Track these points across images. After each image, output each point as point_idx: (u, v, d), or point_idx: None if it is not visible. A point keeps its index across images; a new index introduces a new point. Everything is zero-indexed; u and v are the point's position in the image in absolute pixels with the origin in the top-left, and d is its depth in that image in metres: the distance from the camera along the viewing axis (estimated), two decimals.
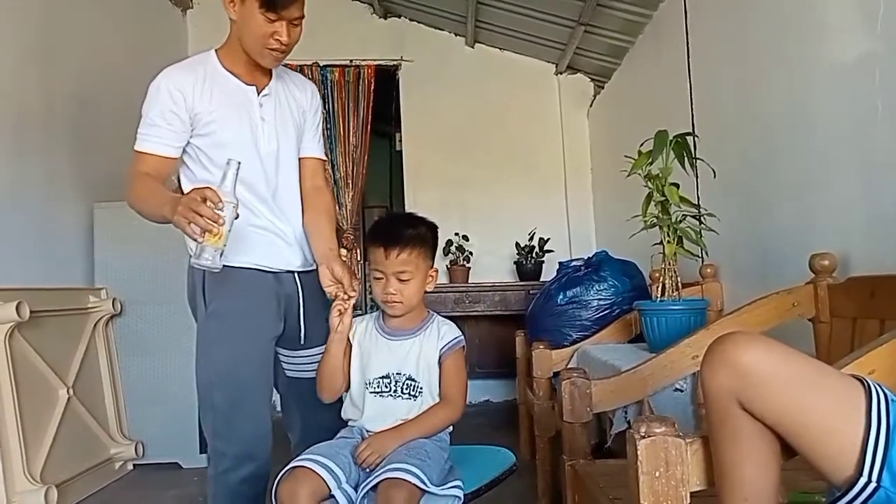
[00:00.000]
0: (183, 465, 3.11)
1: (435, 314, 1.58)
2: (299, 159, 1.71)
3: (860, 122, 1.75)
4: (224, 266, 1.35)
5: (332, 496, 1.29)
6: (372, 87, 4.58)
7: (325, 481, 1.28)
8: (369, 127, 4.60)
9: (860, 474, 0.85)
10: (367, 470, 1.35)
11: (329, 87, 4.59)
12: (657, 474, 1.00)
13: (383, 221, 1.55)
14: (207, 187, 1.30)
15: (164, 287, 3.15)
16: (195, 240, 1.28)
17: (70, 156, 3.09)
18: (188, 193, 1.33)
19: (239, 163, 1.34)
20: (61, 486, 2.47)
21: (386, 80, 4.72)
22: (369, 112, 4.59)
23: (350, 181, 4.56)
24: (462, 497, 1.37)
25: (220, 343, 1.56)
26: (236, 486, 1.57)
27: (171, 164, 1.56)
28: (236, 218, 1.31)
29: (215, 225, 1.25)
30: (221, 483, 1.58)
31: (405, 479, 1.27)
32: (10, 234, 2.66)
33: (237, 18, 1.51)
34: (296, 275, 1.66)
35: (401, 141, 4.80)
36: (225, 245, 1.28)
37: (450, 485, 1.36)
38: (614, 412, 1.87)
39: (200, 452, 3.12)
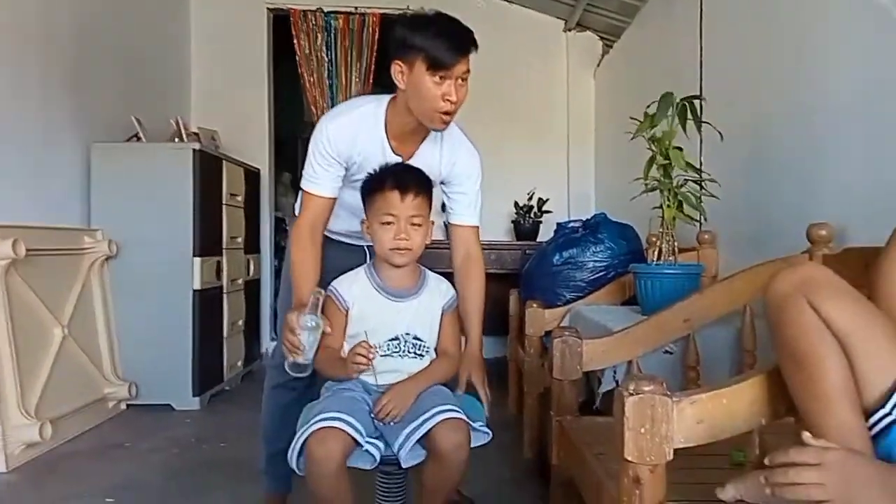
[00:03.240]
0: (175, 406, 3.15)
1: (426, 269, 1.58)
2: (448, 225, 1.78)
3: (870, 91, 1.72)
4: None
5: (364, 450, 1.33)
6: (376, 37, 4.47)
7: (353, 437, 1.31)
8: (372, 78, 4.52)
9: (882, 406, 0.90)
10: (392, 423, 1.37)
11: (332, 35, 4.49)
12: (643, 430, 1.02)
13: (392, 167, 1.53)
14: (293, 314, 1.43)
15: (160, 230, 3.15)
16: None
17: (68, 93, 3.04)
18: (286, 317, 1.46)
19: (322, 292, 1.46)
20: (55, 422, 2.51)
21: (391, 29, 4.60)
22: (373, 62, 4.50)
23: None
24: (491, 434, 1.45)
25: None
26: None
27: (332, 203, 1.67)
28: (322, 335, 1.44)
29: (295, 349, 1.42)
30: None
31: (461, 418, 1.34)
32: (6, 171, 2.63)
33: (406, 87, 1.54)
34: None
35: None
36: (309, 358, 1.43)
37: (478, 423, 1.43)
38: (603, 372, 1.89)
39: (193, 395, 3.17)
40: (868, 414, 0.92)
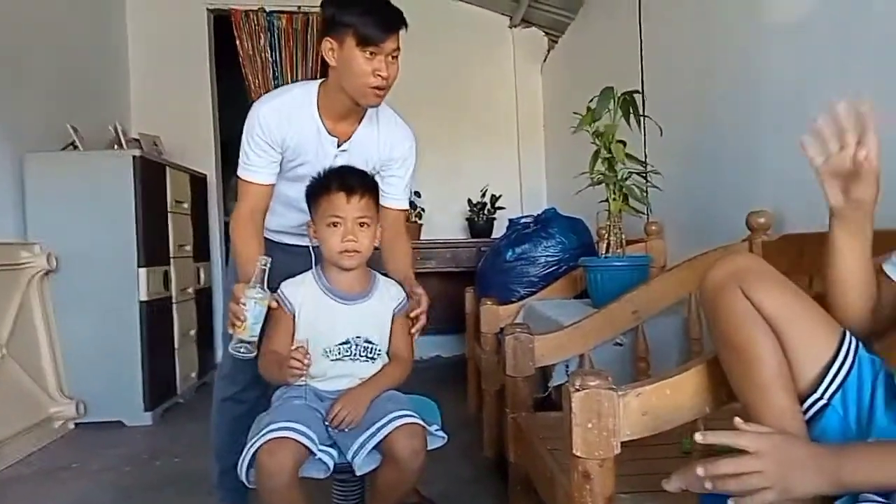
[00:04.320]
0: (127, 422, 3.06)
1: (376, 273, 1.56)
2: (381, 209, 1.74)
3: (804, 79, 1.78)
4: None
5: (318, 458, 1.31)
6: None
7: (305, 446, 1.28)
8: (318, 77, 4.45)
9: (814, 390, 0.93)
10: (346, 430, 1.35)
11: (276, 35, 4.41)
12: (590, 426, 1.03)
13: (336, 170, 1.51)
14: (238, 285, 1.41)
15: (103, 241, 3.05)
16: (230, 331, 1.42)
17: None
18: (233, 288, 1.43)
19: (268, 260, 1.42)
20: None
21: (322, 8, 4.54)
22: (317, 62, 4.44)
23: None
24: (446, 437, 1.44)
25: None
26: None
27: (270, 190, 1.66)
28: (268, 311, 1.40)
29: (237, 319, 1.37)
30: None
31: (417, 423, 1.34)
32: None
33: (337, 64, 1.55)
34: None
35: None
36: (253, 336, 1.39)
37: (434, 427, 1.42)
38: (555, 366, 1.91)
39: (145, 410, 3.08)
40: (802, 399, 0.95)
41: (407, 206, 1.81)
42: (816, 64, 1.73)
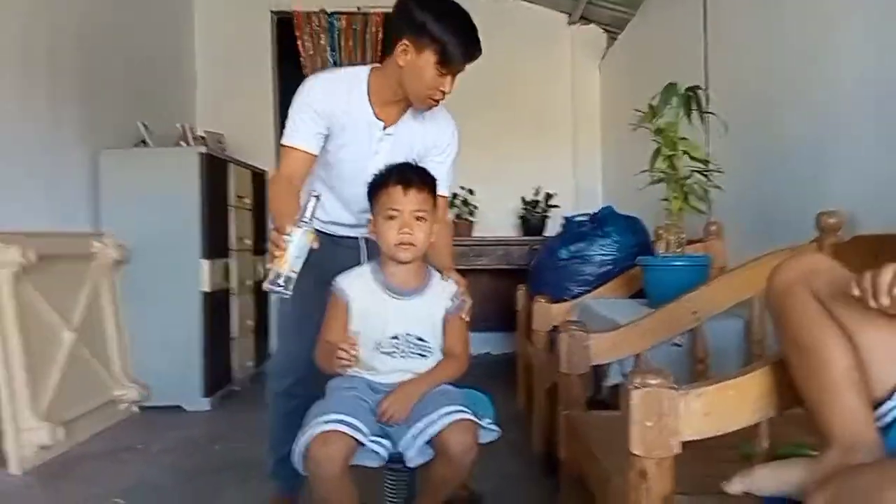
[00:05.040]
0: (186, 408, 3.17)
1: (433, 269, 1.57)
2: None
3: (880, 77, 1.70)
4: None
5: (371, 449, 1.32)
6: (379, 36, 4.47)
7: (356, 439, 1.30)
8: None
9: (890, 397, 0.90)
10: (397, 425, 1.36)
11: (335, 35, 4.50)
12: (649, 424, 1.01)
13: (397, 166, 1.52)
14: (284, 218, 1.39)
15: (169, 233, 3.17)
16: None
17: (76, 101, 3.06)
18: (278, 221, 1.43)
19: (318, 196, 1.40)
20: (67, 425, 2.53)
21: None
22: (376, 61, 4.49)
23: None
24: (499, 431, 1.44)
25: None
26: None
27: (311, 160, 1.67)
28: (313, 248, 1.35)
29: (277, 249, 1.33)
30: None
31: (470, 419, 1.34)
32: (17, 179, 2.66)
33: (405, 66, 1.57)
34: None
35: None
36: (294, 271, 1.32)
37: (486, 420, 1.42)
38: (609, 365, 1.88)
39: (203, 396, 3.18)
40: (876, 405, 0.90)
41: (447, 194, 1.82)
42: (892, 58, 1.64)
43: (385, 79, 1.63)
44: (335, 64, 4.49)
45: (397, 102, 1.67)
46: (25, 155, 2.72)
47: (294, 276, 1.33)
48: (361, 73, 1.68)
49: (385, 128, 1.69)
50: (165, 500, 2.11)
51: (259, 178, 4.10)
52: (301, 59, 4.49)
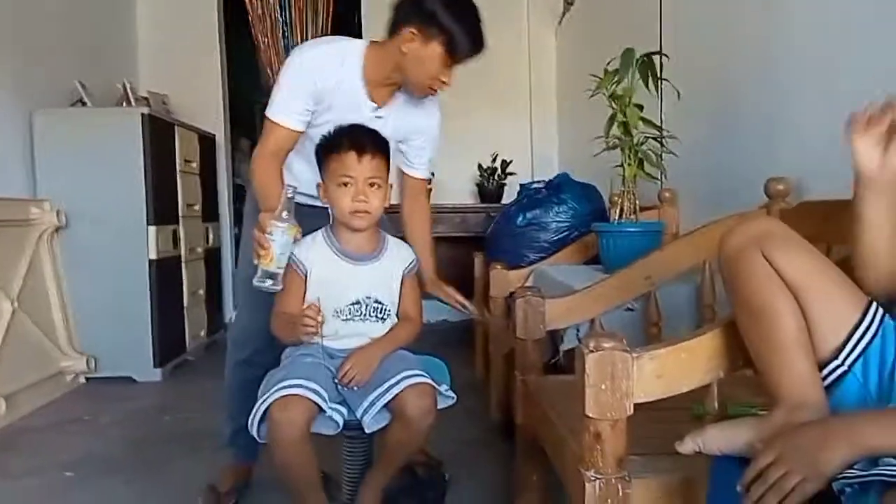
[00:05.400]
0: (137, 378, 3.10)
1: (385, 234, 1.55)
2: (403, 175, 1.88)
3: (832, 44, 1.72)
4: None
5: (328, 416, 1.31)
6: None
7: (316, 403, 1.28)
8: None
9: (835, 357, 0.92)
10: (356, 388, 1.36)
11: None
12: (603, 387, 1.02)
13: (347, 128, 1.47)
14: (264, 214, 1.38)
15: (112, 199, 3.05)
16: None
17: (4, 59, 2.87)
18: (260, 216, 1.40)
19: (294, 188, 1.39)
20: (10, 397, 2.44)
21: None
22: (329, 21, 4.37)
23: None
24: (455, 398, 1.44)
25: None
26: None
27: (296, 137, 1.63)
28: (295, 241, 1.38)
29: (260, 248, 1.34)
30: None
31: (428, 383, 1.34)
32: None
33: (409, 52, 1.55)
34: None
35: None
36: (280, 268, 1.36)
37: (444, 387, 1.42)
38: (566, 330, 1.90)
39: (154, 367, 3.11)
40: (822, 366, 0.93)
41: (429, 176, 1.86)
42: (841, 29, 1.67)
43: (382, 61, 1.60)
44: (285, 23, 4.33)
45: (390, 85, 1.64)
46: None
47: (281, 271, 1.36)
48: (356, 48, 1.63)
49: (376, 109, 1.66)
50: (115, 472, 2.06)
51: (207, 141, 3.96)
52: (249, 17, 4.32)
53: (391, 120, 1.69)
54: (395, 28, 1.56)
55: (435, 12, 1.51)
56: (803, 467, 0.76)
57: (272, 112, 1.61)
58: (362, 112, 1.63)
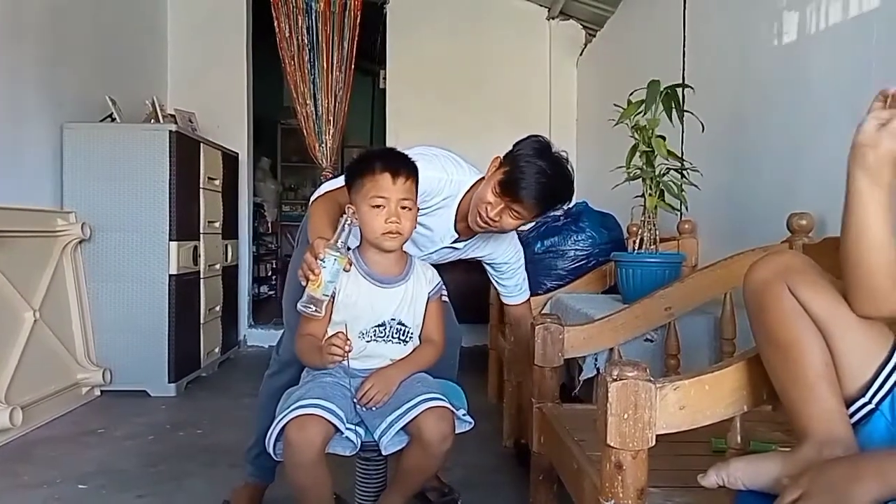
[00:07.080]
0: (151, 393, 3.11)
1: (412, 255, 1.56)
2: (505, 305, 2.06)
3: (854, 80, 1.73)
4: None
5: (344, 436, 1.31)
6: (358, 20, 4.41)
7: (333, 424, 1.28)
8: (353, 62, 4.47)
9: (863, 395, 0.91)
10: (374, 408, 1.36)
11: (313, 18, 4.41)
12: (625, 416, 1.01)
13: (381, 151, 1.49)
14: (319, 240, 1.37)
15: (136, 213, 3.09)
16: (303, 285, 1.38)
17: (38, 73, 2.94)
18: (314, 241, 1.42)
19: (353, 219, 1.39)
20: (26, 408, 2.46)
21: (373, 14, 4.56)
22: (354, 46, 4.44)
23: (332, 118, 4.45)
24: (473, 422, 1.45)
25: None
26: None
27: None
28: (347, 270, 1.39)
29: (311, 273, 1.33)
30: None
31: (447, 407, 1.34)
32: None
33: (477, 191, 1.65)
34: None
35: (385, 79, 4.67)
36: (325, 295, 1.35)
37: (461, 411, 1.42)
38: (584, 359, 1.89)
39: (169, 381, 3.12)
40: (848, 403, 0.92)
41: (528, 297, 2.00)
42: (866, 65, 1.68)
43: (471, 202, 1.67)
44: (311, 49, 4.40)
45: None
46: None
47: (326, 299, 1.36)
48: (465, 184, 1.69)
49: (455, 240, 1.75)
50: (128, 486, 2.06)
51: (230, 159, 4.02)
52: (277, 39, 4.41)
53: (467, 253, 1.82)
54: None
55: (515, 156, 1.68)
56: (831, 503, 0.75)
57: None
58: (443, 238, 1.74)
